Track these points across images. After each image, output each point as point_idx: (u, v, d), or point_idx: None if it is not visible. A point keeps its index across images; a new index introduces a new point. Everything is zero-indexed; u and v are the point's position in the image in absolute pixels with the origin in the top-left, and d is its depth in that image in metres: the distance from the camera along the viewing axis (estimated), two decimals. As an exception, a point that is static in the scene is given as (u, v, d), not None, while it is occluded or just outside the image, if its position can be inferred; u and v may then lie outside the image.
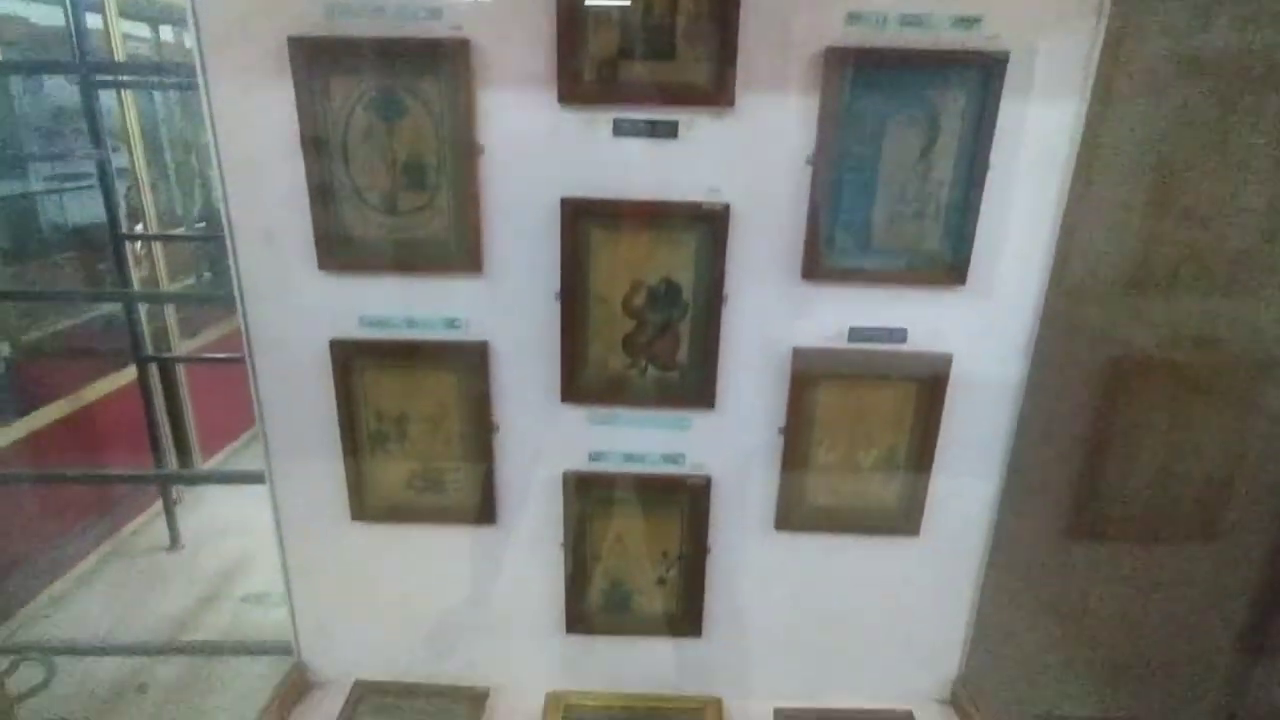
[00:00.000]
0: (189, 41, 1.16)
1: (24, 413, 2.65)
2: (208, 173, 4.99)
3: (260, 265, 1.24)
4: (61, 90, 3.97)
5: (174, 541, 3.15)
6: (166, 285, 3.59)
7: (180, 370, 3.52)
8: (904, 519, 1.35)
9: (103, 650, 2.24)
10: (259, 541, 3.16)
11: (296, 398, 1.32)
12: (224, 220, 1.22)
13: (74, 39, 2.35)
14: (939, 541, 1.36)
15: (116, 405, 3.09)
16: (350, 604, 1.46)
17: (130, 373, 3.06)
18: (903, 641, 1.43)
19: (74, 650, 2.02)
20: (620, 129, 1.15)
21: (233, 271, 1.25)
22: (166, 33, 4.63)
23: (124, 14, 3.43)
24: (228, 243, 1.23)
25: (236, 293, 1.26)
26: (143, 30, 4.28)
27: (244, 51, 1.13)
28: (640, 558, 1.39)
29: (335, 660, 1.49)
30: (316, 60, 1.12)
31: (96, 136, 2.44)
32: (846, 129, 1.14)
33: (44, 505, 2.75)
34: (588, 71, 1.12)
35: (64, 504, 2.88)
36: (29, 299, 3.10)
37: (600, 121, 1.15)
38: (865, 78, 1.12)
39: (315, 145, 1.16)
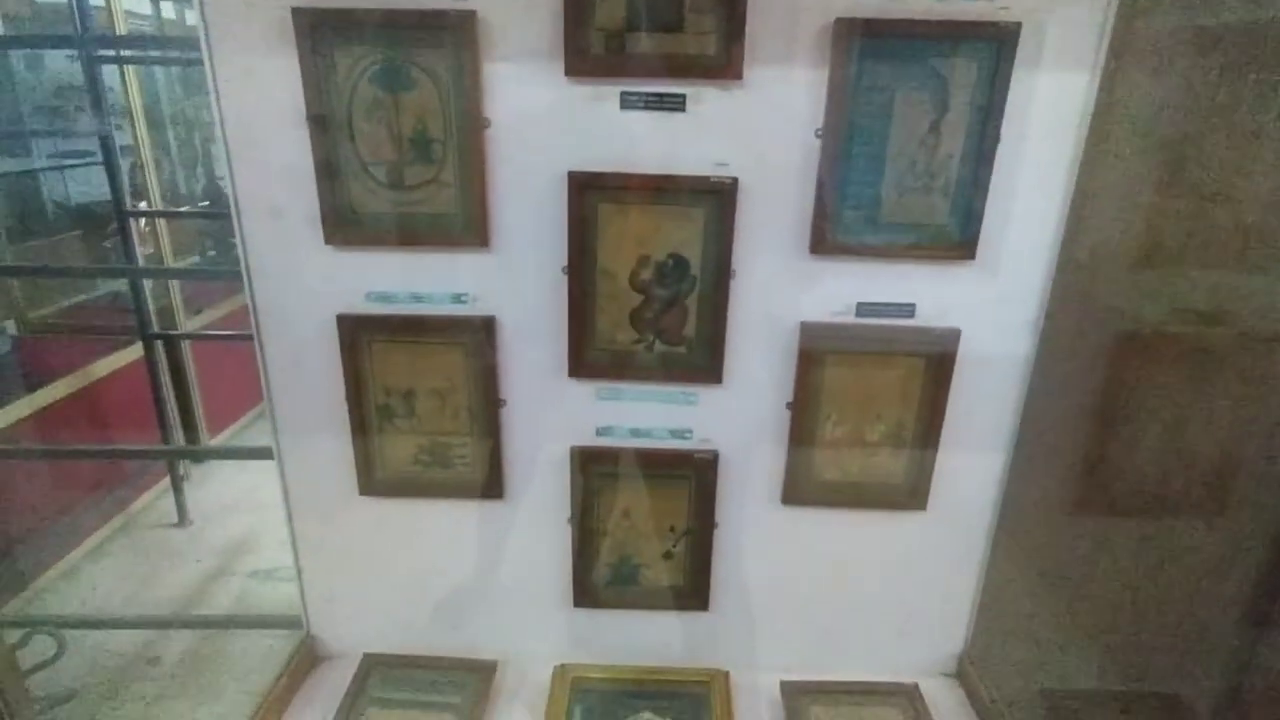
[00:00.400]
0: (191, 18, 1.15)
1: (32, 389, 2.66)
2: (210, 149, 4.97)
3: (266, 241, 1.24)
4: (63, 67, 3.94)
5: (182, 518, 3.18)
6: (171, 263, 3.58)
7: (186, 347, 3.53)
8: (911, 494, 1.35)
9: (114, 624, 2.27)
10: (265, 518, 3.19)
11: (304, 373, 1.32)
12: (230, 195, 1.21)
13: (75, 13, 2.33)
14: (946, 516, 1.36)
15: (123, 382, 3.10)
16: (359, 578, 1.47)
17: (136, 350, 3.08)
18: (908, 615, 1.45)
19: (86, 624, 2.05)
20: (627, 102, 1.14)
21: (239, 247, 1.25)
22: (168, 10, 4.60)
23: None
24: (233, 218, 1.22)
25: (243, 269, 1.26)
26: (144, 7, 4.25)
27: (248, 24, 1.12)
28: (647, 532, 1.40)
29: (344, 634, 1.51)
30: (321, 32, 1.11)
31: (100, 112, 2.43)
32: (855, 101, 1.13)
33: (54, 480, 2.77)
34: (595, 44, 1.11)
35: (74, 480, 2.90)
36: (36, 275, 3.10)
37: (607, 95, 1.14)
38: (875, 49, 1.11)
39: (320, 119, 1.15)
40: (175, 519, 3.19)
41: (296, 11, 1.10)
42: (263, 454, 1.46)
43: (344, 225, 1.22)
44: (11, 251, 3.39)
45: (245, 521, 3.19)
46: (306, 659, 1.50)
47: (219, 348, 3.82)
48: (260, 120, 1.17)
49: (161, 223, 3.39)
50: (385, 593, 1.48)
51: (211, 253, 4.49)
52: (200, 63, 1.15)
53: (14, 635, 1.96)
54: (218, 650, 2.37)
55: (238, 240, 1.24)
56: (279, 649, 2.30)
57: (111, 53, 2.68)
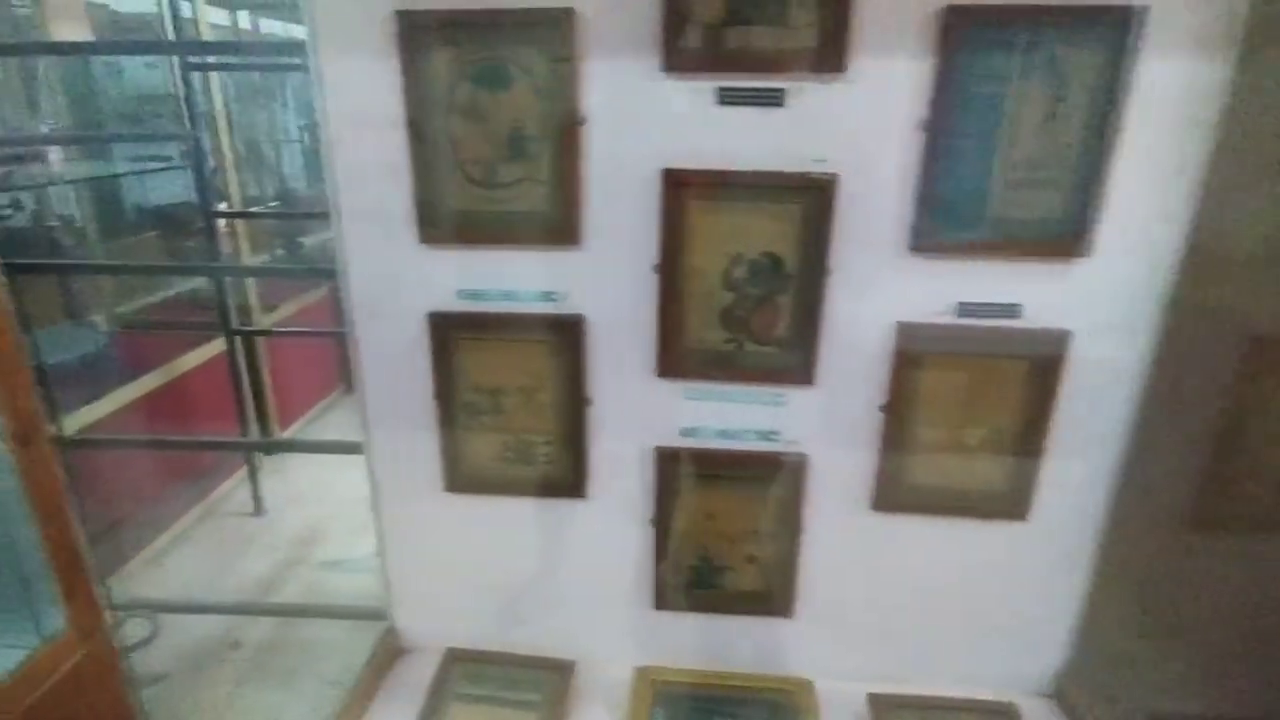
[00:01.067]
0: (265, 27, 1.18)
1: (125, 382, 2.79)
2: (279, 153, 5.14)
3: (363, 239, 1.26)
4: (140, 76, 4.11)
5: (257, 507, 3.29)
6: (247, 262, 3.71)
7: (260, 343, 3.65)
8: (1011, 503, 1.29)
9: (206, 608, 2.35)
10: (333, 509, 3.27)
11: (394, 370, 1.34)
12: (329, 194, 1.23)
13: (170, 21, 2.43)
14: (1048, 527, 1.30)
15: (206, 376, 3.22)
16: (441, 572, 1.49)
17: (217, 345, 3.20)
18: (1004, 630, 1.39)
19: (182, 608, 2.14)
20: (725, 98, 1.12)
21: (336, 245, 1.27)
22: (243, 19, 4.77)
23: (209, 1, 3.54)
24: (331, 216, 1.25)
25: (339, 265, 1.28)
26: (220, 18, 4.41)
27: (352, 26, 1.14)
28: (732, 535, 1.37)
29: (425, 627, 1.53)
30: (422, 33, 1.12)
31: (192, 117, 2.53)
32: (964, 92, 1.08)
33: (144, 469, 2.90)
34: (693, 39, 1.09)
35: (162, 469, 3.03)
36: (135, 272, 3.22)
37: (705, 90, 1.12)
38: (988, 36, 1.06)
39: (419, 118, 1.16)
40: (252, 508, 3.30)
41: (400, 14, 1.11)
42: (352, 448, 1.49)
43: (438, 224, 1.22)
44: (100, 250, 3.56)
45: (315, 512, 3.28)
46: (390, 651, 1.53)
47: (288, 343, 3.95)
48: (361, 121, 1.19)
49: (240, 223, 3.51)
50: (466, 588, 1.49)
51: (280, 251, 4.63)
52: (286, 68, 1.18)
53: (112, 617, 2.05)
54: (294, 637, 2.44)
55: (335, 237, 1.26)
56: (352, 638, 2.36)
57: (205, 59, 2.78)
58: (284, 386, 3.93)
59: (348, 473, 3.37)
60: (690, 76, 1.11)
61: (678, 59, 1.10)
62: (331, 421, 4.33)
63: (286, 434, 4.09)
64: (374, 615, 1.64)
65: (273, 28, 4.90)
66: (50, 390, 2.32)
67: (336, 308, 4.65)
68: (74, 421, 2.53)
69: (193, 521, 3.19)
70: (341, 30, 1.15)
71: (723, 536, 1.38)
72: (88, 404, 2.64)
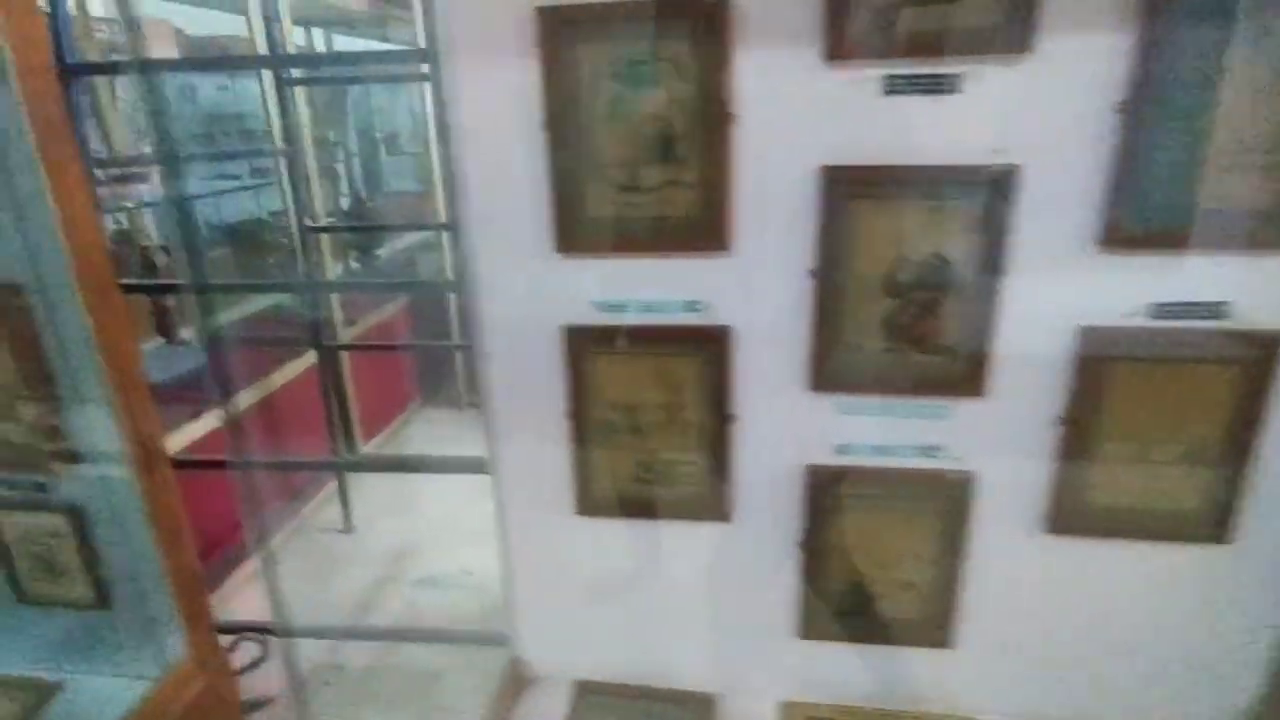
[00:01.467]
0: (341, 43, 1.14)
1: (223, 399, 2.83)
2: (352, 168, 5.24)
3: (493, 249, 1.21)
4: (210, 96, 4.25)
5: (347, 523, 3.31)
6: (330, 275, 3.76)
7: (344, 358, 3.69)
8: (1210, 524, 1.16)
9: (320, 633, 2.33)
10: (421, 525, 3.27)
11: (523, 386, 1.28)
12: (456, 203, 1.19)
13: (267, 37, 2.46)
14: (1255, 552, 1.16)
15: (293, 392, 3.26)
16: (570, 599, 1.42)
17: (306, 360, 3.25)
18: (1194, 664, 1.25)
19: (296, 633, 2.13)
20: (894, 86, 1.03)
21: (463, 257, 1.22)
22: (317, 37, 4.88)
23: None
24: (459, 226, 1.20)
25: (466, 277, 1.23)
26: (298, 37, 4.52)
27: (488, 28, 1.09)
28: (887, 559, 1.27)
29: (553, 656, 1.46)
30: (565, 31, 1.06)
31: (287, 133, 2.56)
32: (1168, 68, 0.97)
33: (241, 488, 2.93)
34: (860, 23, 1.00)
35: (259, 486, 3.06)
36: (251, 290, 3.21)
37: (869, 79, 1.03)
38: (1197, 4, 0.94)
39: (558, 122, 1.11)
40: (341, 525, 3.31)
41: (542, 10, 1.05)
42: (475, 466, 1.44)
43: (575, 232, 1.16)
44: (190, 269, 3.65)
45: (403, 528, 3.28)
46: (517, 680, 1.46)
47: (366, 358, 3.99)
48: (494, 127, 1.14)
49: (325, 238, 3.55)
50: (597, 615, 1.42)
51: (355, 265, 4.71)
52: (409, 78, 1.14)
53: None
54: (396, 659, 2.42)
55: (461, 249, 1.22)
56: (455, 662, 2.32)
57: (315, 73, 2.81)
58: (364, 401, 3.97)
59: (432, 487, 3.38)
60: (855, 64, 1.02)
61: (842, 46, 1.01)
62: (412, 435, 4.36)
63: (368, 448, 4.13)
64: (494, 640, 1.59)
65: (349, 44, 5.00)
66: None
67: (415, 321, 4.68)
68: (175, 441, 2.57)
69: (286, 538, 3.22)
70: (475, 34, 1.10)
71: (877, 560, 1.28)
72: (188, 422, 2.69)
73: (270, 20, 2.49)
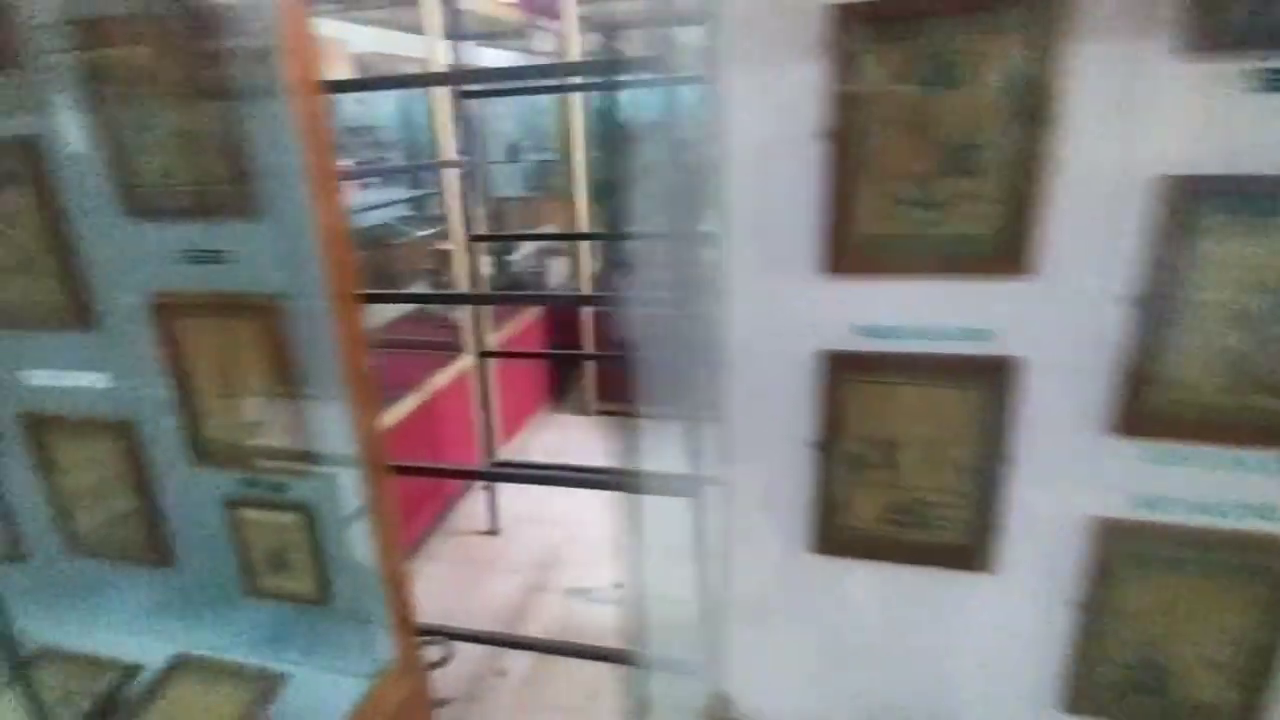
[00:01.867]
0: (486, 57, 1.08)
1: (387, 404, 2.93)
2: (488, 173, 5.40)
3: (751, 266, 1.12)
4: (348, 110, 4.54)
5: (493, 526, 3.34)
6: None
7: (489, 364, 3.76)
8: None
9: (513, 643, 2.33)
10: (567, 532, 3.26)
11: (765, 408, 1.19)
12: (720, 215, 1.11)
13: (455, 54, 2.52)
14: None
15: (448, 397, 3.33)
16: (793, 639, 1.32)
17: (458, 365, 3.32)
18: None
19: (482, 639, 2.15)
20: (1272, 82, 0.86)
21: (719, 271, 1.14)
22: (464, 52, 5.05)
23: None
24: (721, 241, 1.12)
25: (719, 291, 1.15)
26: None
27: (771, 31, 1.01)
28: (1194, 633, 1.09)
29: (763, 700, 1.36)
30: (862, 29, 0.96)
31: (468, 142, 2.61)
32: None
33: (407, 489, 3.02)
34: (1237, 7, 0.85)
35: (419, 488, 3.16)
36: (491, 302, 3.39)
37: (1230, 74, 0.87)
38: None
39: (843, 129, 1.01)
40: (486, 526, 3.35)
41: (835, 8, 0.96)
42: (690, 489, 1.36)
43: (845, 250, 1.06)
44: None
45: (546, 534, 3.28)
46: (715, 717, 1.38)
47: (502, 363, 4.07)
48: (769, 135, 1.05)
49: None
50: (822, 662, 1.31)
51: (491, 271, 4.82)
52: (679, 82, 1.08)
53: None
54: (554, 669, 2.40)
55: (719, 262, 1.14)
56: (610, 676, 2.27)
57: (477, 86, 2.89)
58: (504, 405, 4.04)
59: (574, 494, 3.37)
60: (1218, 56, 0.87)
61: (1209, 34, 0.86)
62: (543, 440, 4.39)
63: (503, 452, 4.19)
64: (686, 669, 1.50)
65: (495, 56, 5.15)
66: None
67: (550, 326, 4.72)
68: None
69: (439, 539, 3.29)
70: (756, 37, 1.02)
71: (1180, 634, 1.10)
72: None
73: (453, 39, 2.55)
